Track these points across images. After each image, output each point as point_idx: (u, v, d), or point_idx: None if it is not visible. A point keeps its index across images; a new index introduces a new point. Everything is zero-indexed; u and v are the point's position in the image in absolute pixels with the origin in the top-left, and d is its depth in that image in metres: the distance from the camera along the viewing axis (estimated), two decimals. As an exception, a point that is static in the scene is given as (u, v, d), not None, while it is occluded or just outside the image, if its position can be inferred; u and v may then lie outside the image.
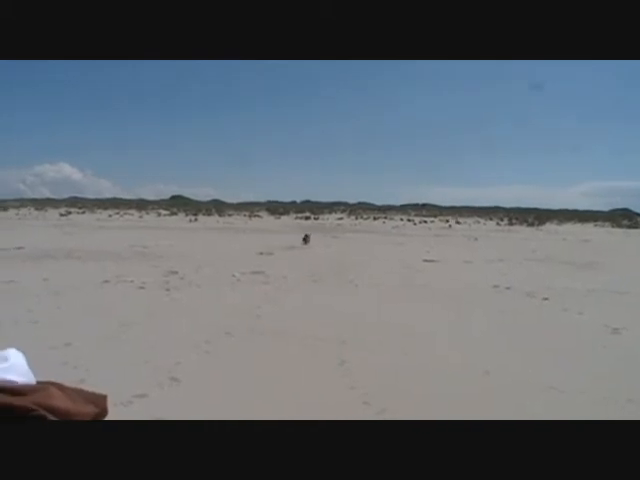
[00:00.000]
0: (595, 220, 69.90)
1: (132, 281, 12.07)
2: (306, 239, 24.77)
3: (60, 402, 1.04)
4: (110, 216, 54.56)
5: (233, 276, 13.27)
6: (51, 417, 0.99)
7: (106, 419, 1.06)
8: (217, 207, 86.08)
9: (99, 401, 1.12)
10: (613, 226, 59.55)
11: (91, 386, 1.20)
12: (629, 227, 57.98)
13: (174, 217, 58.31)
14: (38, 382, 1.11)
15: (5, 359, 1.07)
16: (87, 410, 1.08)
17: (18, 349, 1.13)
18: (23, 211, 61.02)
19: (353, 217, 69.45)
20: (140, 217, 55.32)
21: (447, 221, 61.57)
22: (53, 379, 1.17)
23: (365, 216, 71.32)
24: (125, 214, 60.17)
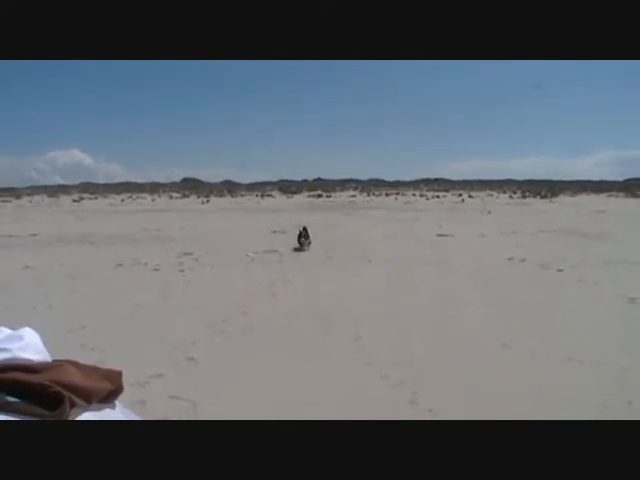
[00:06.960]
0: (609, 190, 69.22)
1: (146, 263, 12.15)
2: (302, 241, 14.65)
3: (76, 379, 1.04)
4: (123, 200, 54.61)
5: (247, 256, 13.29)
6: (67, 394, 0.99)
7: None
8: (229, 188, 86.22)
9: (114, 377, 1.12)
10: (627, 196, 58.74)
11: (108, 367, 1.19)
12: (644, 197, 57.23)
13: (186, 199, 58.33)
14: (54, 360, 1.11)
15: (20, 338, 1.07)
16: (103, 386, 1.07)
17: (33, 329, 1.13)
18: (36, 198, 61.11)
19: (365, 194, 69.08)
20: (152, 200, 55.33)
21: (460, 195, 61.12)
22: (70, 359, 1.18)
23: (377, 193, 70.98)
24: (137, 198, 60.28)
